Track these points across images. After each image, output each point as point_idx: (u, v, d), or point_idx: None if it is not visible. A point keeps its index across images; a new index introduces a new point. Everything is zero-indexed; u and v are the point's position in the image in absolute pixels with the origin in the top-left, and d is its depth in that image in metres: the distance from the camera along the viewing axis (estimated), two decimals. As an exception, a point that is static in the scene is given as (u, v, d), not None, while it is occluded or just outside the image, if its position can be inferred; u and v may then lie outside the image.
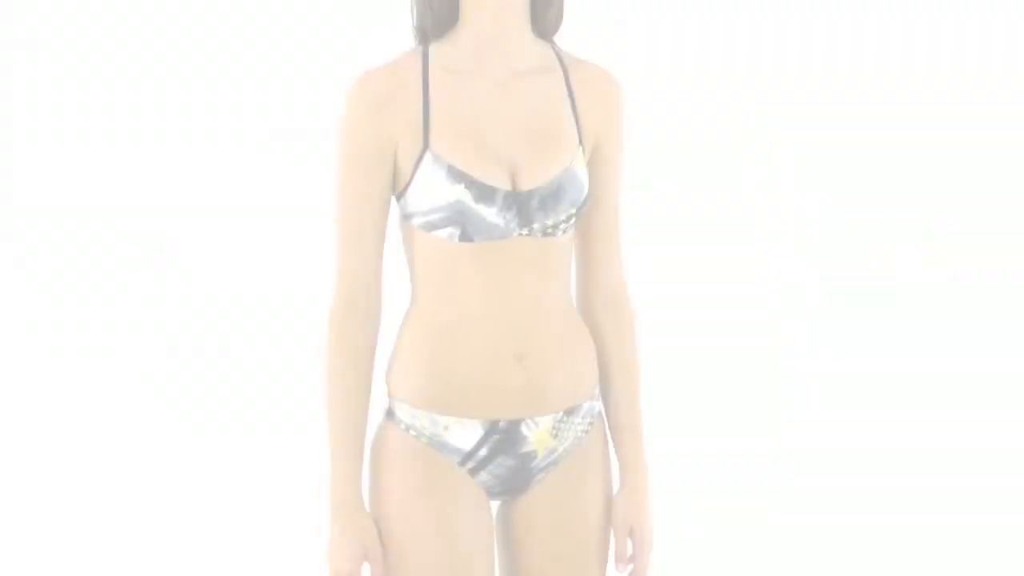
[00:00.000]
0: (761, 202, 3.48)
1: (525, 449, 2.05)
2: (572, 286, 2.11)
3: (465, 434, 2.04)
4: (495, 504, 2.13)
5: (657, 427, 3.39)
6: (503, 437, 2.04)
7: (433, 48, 2.02)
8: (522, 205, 1.96)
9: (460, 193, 1.96)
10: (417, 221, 1.99)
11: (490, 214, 1.96)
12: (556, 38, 2.07)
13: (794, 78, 3.47)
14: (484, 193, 1.96)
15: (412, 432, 2.06)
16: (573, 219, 2.01)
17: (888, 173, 3.49)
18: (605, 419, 2.15)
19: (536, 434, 2.05)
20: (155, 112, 3.54)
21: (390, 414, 2.08)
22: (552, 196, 1.97)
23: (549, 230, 1.98)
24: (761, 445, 3.49)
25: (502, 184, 1.96)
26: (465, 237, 1.96)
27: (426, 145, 1.98)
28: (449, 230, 1.96)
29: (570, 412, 2.07)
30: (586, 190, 2.01)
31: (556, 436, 2.06)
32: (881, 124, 3.47)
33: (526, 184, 1.96)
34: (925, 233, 3.47)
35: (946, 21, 3.43)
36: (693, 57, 3.45)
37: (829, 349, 3.49)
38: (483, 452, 2.03)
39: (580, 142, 2.02)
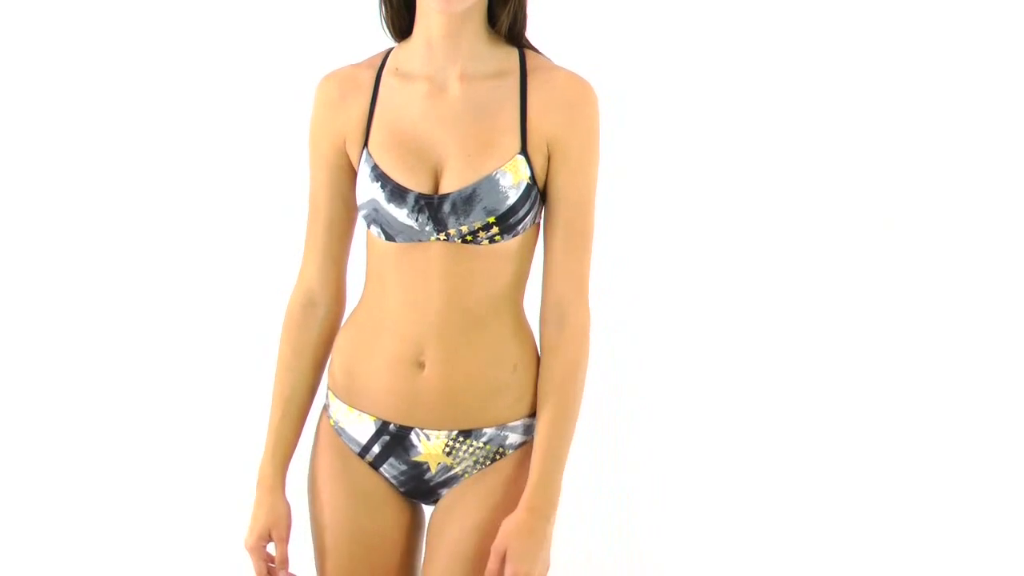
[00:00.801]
0: (760, 200, 3.46)
1: (415, 458, 2.08)
2: (521, 301, 2.08)
3: (361, 427, 2.11)
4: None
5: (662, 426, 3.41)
6: (392, 440, 2.08)
7: (395, 50, 2.06)
8: (434, 209, 1.98)
9: (375, 192, 2.04)
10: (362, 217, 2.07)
11: (401, 215, 2.01)
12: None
13: (793, 77, 3.45)
14: (396, 194, 2.01)
15: (330, 418, 2.15)
16: (498, 228, 1.98)
17: (888, 172, 3.47)
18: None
19: (427, 446, 2.07)
20: (157, 110, 3.55)
21: (326, 400, 2.18)
22: (465, 202, 1.98)
23: (467, 237, 1.98)
24: (762, 445, 3.47)
25: (418, 187, 1.99)
26: (388, 236, 2.02)
27: (365, 144, 2.01)
28: (375, 228, 2.01)
29: (467, 434, 2.05)
30: (512, 200, 1.98)
31: (451, 455, 2.05)
32: (882, 123, 3.45)
33: (443, 188, 1.97)
34: (926, 233, 3.44)
35: (947, 21, 3.41)
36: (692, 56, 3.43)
37: (830, 349, 3.46)
38: (376, 449, 2.08)
39: (523, 150, 1.99)
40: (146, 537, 3.54)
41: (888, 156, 3.43)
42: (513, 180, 1.98)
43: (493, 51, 2.05)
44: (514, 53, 2.06)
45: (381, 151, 2.04)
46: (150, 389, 3.56)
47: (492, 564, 2.01)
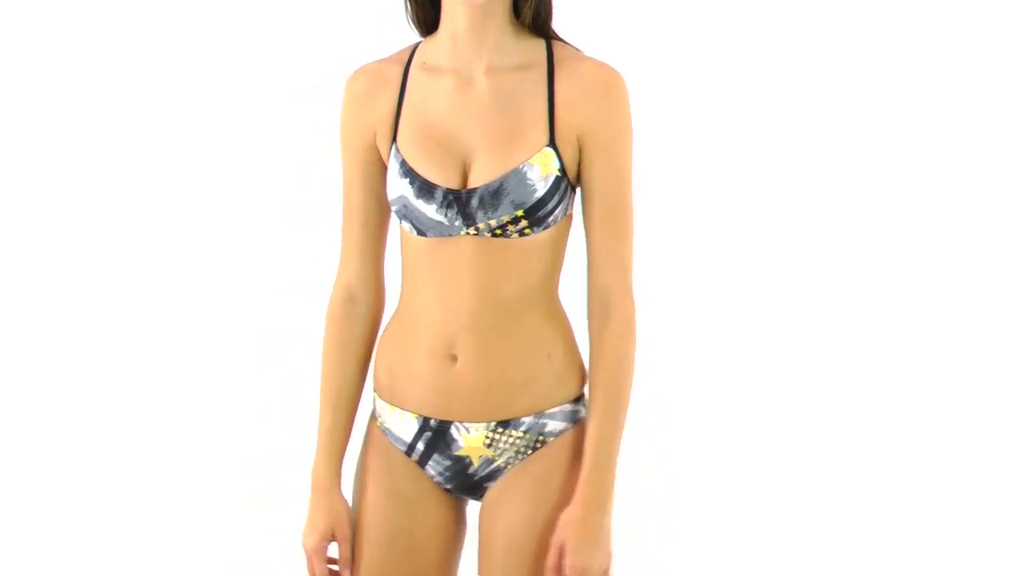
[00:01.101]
0: (762, 200, 3.48)
1: (457, 452, 2.07)
2: (555, 290, 2.07)
3: (405, 426, 2.09)
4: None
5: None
6: (434, 436, 2.07)
7: (422, 44, 2.07)
8: (462, 204, 1.97)
9: (404, 188, 2.02)
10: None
11: (430, 210, 1.99)
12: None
13: (794, 76, 3.47)
14: (424, 189, 2.00)
15: (377, 418, 2.14)
16: (527, 221, 1.97)
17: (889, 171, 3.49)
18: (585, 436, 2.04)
19: (467, 440, 2.05)
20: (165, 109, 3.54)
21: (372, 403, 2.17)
22: (492, 196, 1.96)
23: (497, 231, 1.97)
24: (777, 447, 3.48)
25: (446, 181, 1.99)
26: (419, 232, 2.02)
27: (393, 139, 2.03)
28: (406, 224, 2.02)
29: (505, 424, 2.04)
30: (540, 193, 1.96)
31: (491, 446, 2.05)
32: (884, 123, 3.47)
33: (471, 183, 1.98)
34: (938, 235, 3.47)
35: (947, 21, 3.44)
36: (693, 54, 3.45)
37: (843, 350, 3.49)
38: (420, 446, 2.08)
39: (551, 143, 1.98)
40: (146, 537, 3.52)
41: (901, 159, 3.43)
42: (541, 173, 1.97)
43: (519, 43, 2.02)
44: (541, 44, 2.03)
45: (409, 146, 2.02)
46: (149, 389, 3.53)
47: (551, 558, 1.98)
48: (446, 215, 1.99)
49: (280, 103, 3.48)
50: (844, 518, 3.46)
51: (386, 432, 2.12)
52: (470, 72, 2.02)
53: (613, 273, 2.03)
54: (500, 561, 2.03)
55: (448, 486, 2.09)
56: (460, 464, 2.07)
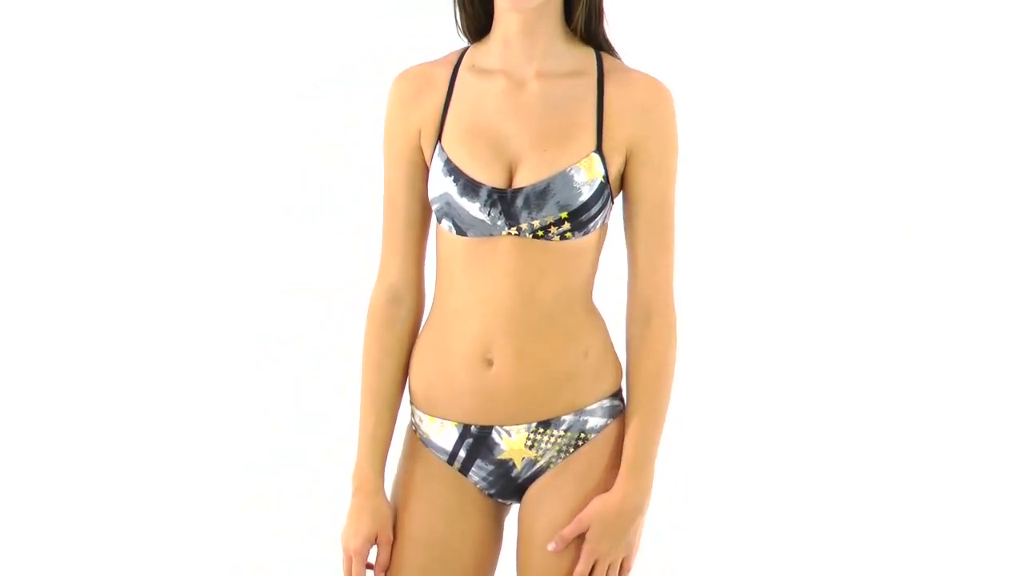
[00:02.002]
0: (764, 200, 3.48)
1: (500, 456, 2.07)
2: (590, 294, 2.09)
3: (444, 435, 2.09)
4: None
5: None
6: (476, 442, 2.07)
7: (471, 49, 2.09)
8: (507, 203, 1.99)
9: (448, 186, 2.03)
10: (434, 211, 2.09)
11: (473, 209, 2.00)
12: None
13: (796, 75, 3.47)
14: (469, 187, 2.01)
15: (416, 429, 2.15)
16: (570, 224, 1.99)
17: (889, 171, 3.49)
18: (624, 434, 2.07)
19: (509, 443, 2.06)
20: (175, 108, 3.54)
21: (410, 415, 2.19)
22: (538, 197, 1.98)
23: (539, 232, 1.98)
24: (784, 450, 3.48)
25: (491, 180, 2.00)
26: (459, 231, 2.02)
27: (439, 138, 2.06)
28: (447, 222, 2.03)
29: (546, 424, 2.05)
30: (584, 197, 1.98)
31: (533, 447, 2.06)
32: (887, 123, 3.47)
33: (517, 183, 1.99)
34: (946, 239, 3.48)
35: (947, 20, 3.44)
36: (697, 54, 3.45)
37: (850, 354, 3.49)
38: (462, 454, 2.08)
39: (598, 149, 2.01)
40: (146, 537, 3.52)
41: (909, 163, 3.43)
42: (587, 177, 1.98)
43: (570, 50, 2.05)
44: (591, 54, 2.06)
45: (455, 145, 2.04)
46: (149, 389, 3.53)
47: (568, 530, 2.01)
48: (489, 214, 2.00)
49: (280, 103, 3.48)
50: (852, 520, 3.46)
51: (426, 442, 2.10)
52: (521, 75, 2.05)
53: (656, 282, 2.06)
54: (539, 560, 2.04)
55: (491, 491, 2.09)
56: (503, 468, 2.07)
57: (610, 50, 2.10)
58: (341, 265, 3.44)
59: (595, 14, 2.06)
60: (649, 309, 2.06)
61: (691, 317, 3.40)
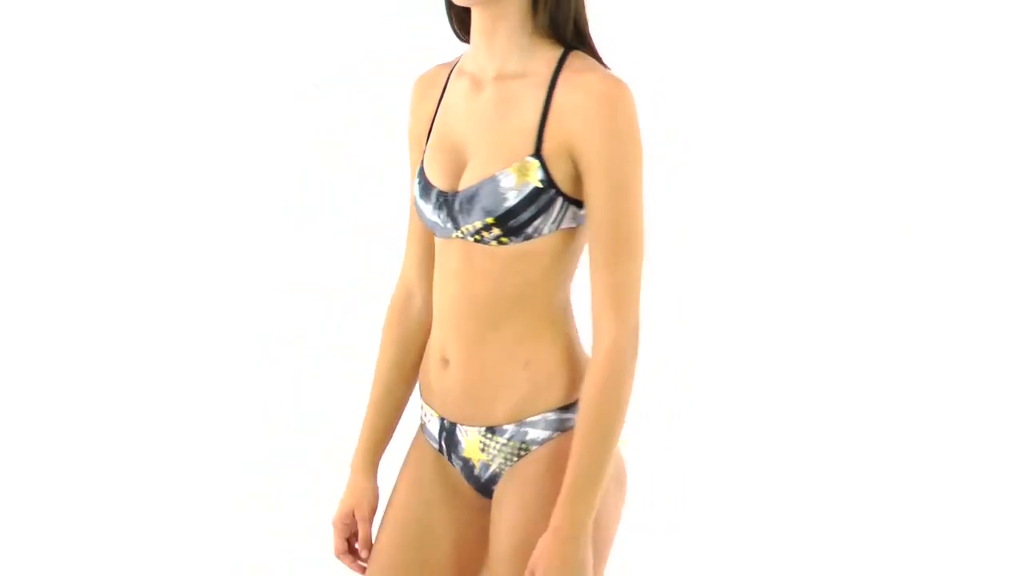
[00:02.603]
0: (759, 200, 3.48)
1: (463, 454, 2.08)
2: (550, 301, 2.04)
3: (432, 423, 2.12)
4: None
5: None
6: (448, 436, 2.09)
7: (465, 51, 2.09)
8: (449, 206, 1.98)
9: (415, 187, 2.07)
10: None
11: (428, 210, 2.02)
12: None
13: (792, 75, 3.47)
14: (425, 189, 2.03)
15: (422, 415, 2.18)
16: (500, 229, 1.94)
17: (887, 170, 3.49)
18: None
19: (467, 442, 2.07)
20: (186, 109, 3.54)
21: None
22: (467, 202, 1.95)
23: (475, 236, 1.97)
24: (767, 444, 3.48)
25: (440, 184, 2.00)
26: (431, 231, 2.05)
27: (428, 141, 2.08)
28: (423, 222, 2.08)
29: (492, 430, 2.04)
30: (510, 203, 1.92)
31: (484, 451, 2.06)
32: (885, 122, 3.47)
33: (460, 187, 1.98)
34: (945, 238, 3.48)
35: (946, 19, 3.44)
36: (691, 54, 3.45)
37: (848, 352, 3.49)
38: (444, 444, 2.09)
39: (537, 152, 1.94)
40: (146, 537, 3.52)
41: (907, 162, 3.43)
42: (516, 182, 1.92)
43: (534, 50, 1.97)
44: (556, 53, 1.97)
45: (429, 148, 2.05)
46: (150, 389, 3.53)
47: None
48: (439, 216, 2.00)
49: (280, 103, 3.48)
50: (847, 520, 3.46)
51: (424, 429, 2.14)
52: (482, 77, 2.01)
53: (600, 296, 1.94)
54: (493, 566, 2.03)
55: (470, 484, 2.10)
56: (467, 465, 2.08)
57: (588, 49, 2.01)
58: (341, 265, 3.45)
59: (562, 12, 1.97)
60: (597, 328, 1.95)
61: (688, 314, 3.43)
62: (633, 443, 3.45)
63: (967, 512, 3.46)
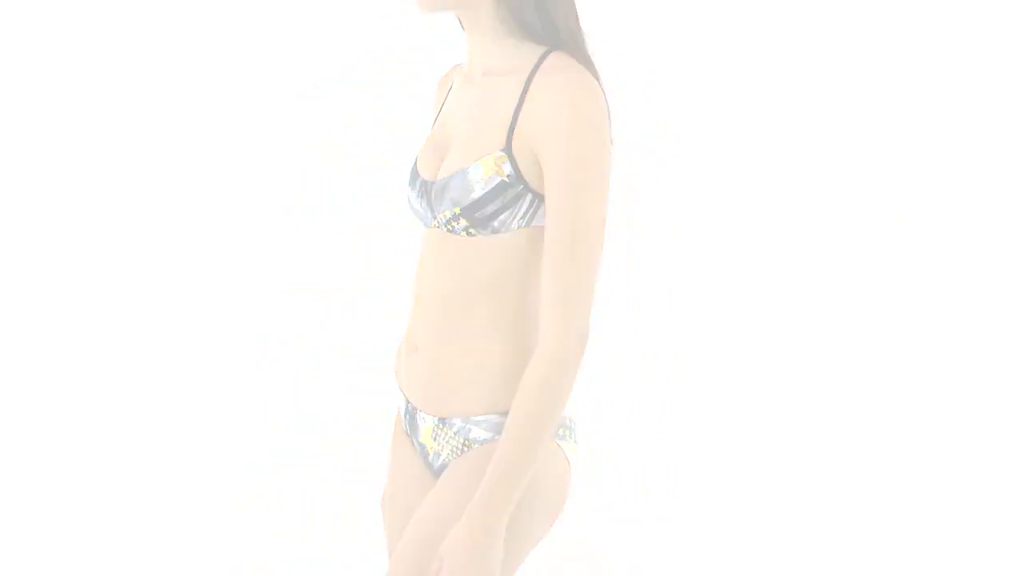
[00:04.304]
0: (755, 198, 3.49)
1: (420, 439, 2.14)
2: (513, 300, 2.02)
3: (402, 406, 2.18)
4: None
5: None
6: (410, 418, 2.15)
7: None
8: (428, 194, 2.04)
9: (407, 176, 2.16)
10: None
11: (412, 197, 2.11)
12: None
13: (790, 75, 3.47)
14: (412, 177, 2.12)
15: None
16: (466, 220, 1.97)
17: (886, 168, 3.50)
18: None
19: (424, 428, 2.12)
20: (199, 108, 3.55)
21: None
22: (440, 191, 2.01)
23: (447, 226, 2.00)
24: (760, 440, 3.49)
25: (424, 173, 2.08)
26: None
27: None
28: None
29: (443, 422, 2.08)
30: (476, 195, 1.95)
31: (436, 440, 2.10)
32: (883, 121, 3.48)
33: (437, 177, 2.03)
34: (935, 231, 3.48)
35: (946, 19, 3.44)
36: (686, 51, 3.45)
37: (838, 346, 3.49)
38: (407, 427, 2.16)
39: (506, 148, 1.96)
40: (146, 537, 3.53)
41: (898, 155, 3.45)
42: (483, 174, 1.96)
43: (517, 48, 2.01)
44: (537, 52, 2.00)
45: (425, 141, 2.14)
46: (150, 389, 3.54)
47: (432, 570, 1.96)
48: (420, 204, 2.07)
49: (280, 103, 3.48)
50: (839, 513, 3.47)
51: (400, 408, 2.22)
52: (472, 73, 2.08)
53: (547, 294, 1.94)
54: (402, 544, 2.02)
55: (426, 467, 2.15)
56: (424, 450, 2.13)
57: (573, 48, 2.01)
58: (341, 265, 3.45)
59: (528, 12, 1.99)
60: (541, 331, 1.94)
61: (679, 306, 3.44)
62: (624, 435, 3.49)
63: (952, 495, 3.47)
